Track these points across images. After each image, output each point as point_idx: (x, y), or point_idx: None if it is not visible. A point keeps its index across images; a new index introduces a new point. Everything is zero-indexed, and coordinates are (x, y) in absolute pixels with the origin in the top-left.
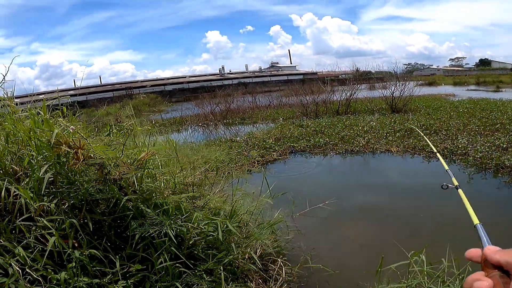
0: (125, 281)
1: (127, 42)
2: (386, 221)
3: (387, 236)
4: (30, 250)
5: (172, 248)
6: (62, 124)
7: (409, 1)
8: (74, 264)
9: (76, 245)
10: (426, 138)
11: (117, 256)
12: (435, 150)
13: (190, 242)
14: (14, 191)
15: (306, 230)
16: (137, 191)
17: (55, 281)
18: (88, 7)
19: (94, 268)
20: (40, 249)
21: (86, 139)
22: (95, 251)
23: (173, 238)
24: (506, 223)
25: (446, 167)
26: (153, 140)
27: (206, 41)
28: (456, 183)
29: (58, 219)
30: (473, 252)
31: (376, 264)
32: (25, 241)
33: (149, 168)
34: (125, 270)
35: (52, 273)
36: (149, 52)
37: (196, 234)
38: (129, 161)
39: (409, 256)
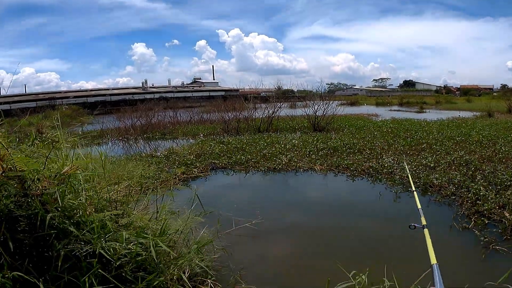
0: None
1: (55, 50)
2: (315, 240)
3: (318, 255)
4: None
5: (99, 270)
6: None
7: (337, 21)
8: None
9: None
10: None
11: (41, 279)
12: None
13: (118, 263)
14: None
15: (233, 249)
16: (60, 208)
17: None
18: (22, 12)
19: None
20: None
21: (8, 149)
22: (18, 273)
23: (107, 255)
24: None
25: (419, 205)
26: (76, 154)
27: (132, 53)
28: (424, 222)
29: None
30: None
31: (309, 284)
32: None
33: (73, 183)
34: None
35: None
36: (75, 62)
37: (124, 255)
38: (51, 175)
39: (350, 276)
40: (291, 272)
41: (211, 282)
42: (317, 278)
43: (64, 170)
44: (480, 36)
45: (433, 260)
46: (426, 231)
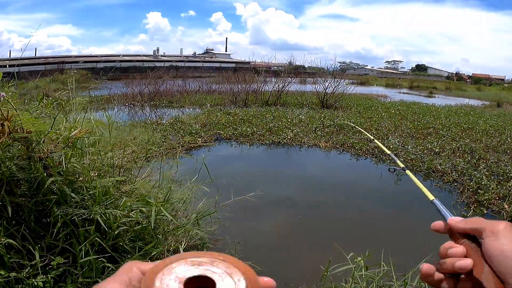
0: (45, 276)
1: (68, 16)
2: (313, 217)
3: (315, 233)
4: None
5: (96, 238)
6: None
7: (357, 1)
8: None
9: None
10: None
11: (37, 247)
12: (372, 137)
13: (116, 232)
14: None
15: (231, 222)
16: (63, 172)
17: None
18: None
19: (12, 260)
20: None
21: (16, 110)
22: (12, 241)
23: (104, 223)
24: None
25: (388, 151)
26: (85, 118)
27: (147, 22)
28: (401, 165)
29: None
30: (437, 225)
31: (307, 263)
32: None
33: (79, 147)
34: (45, 262)
35: None
36: (89, 28)
37: (123, 223)
38: (58, 138)
39: (348, 257)
40: (287, 248)
41: None
42: (312, 256)
43: (73, 133)
44: (498, 28)
45: (431, 196)
46: (408, 172)
